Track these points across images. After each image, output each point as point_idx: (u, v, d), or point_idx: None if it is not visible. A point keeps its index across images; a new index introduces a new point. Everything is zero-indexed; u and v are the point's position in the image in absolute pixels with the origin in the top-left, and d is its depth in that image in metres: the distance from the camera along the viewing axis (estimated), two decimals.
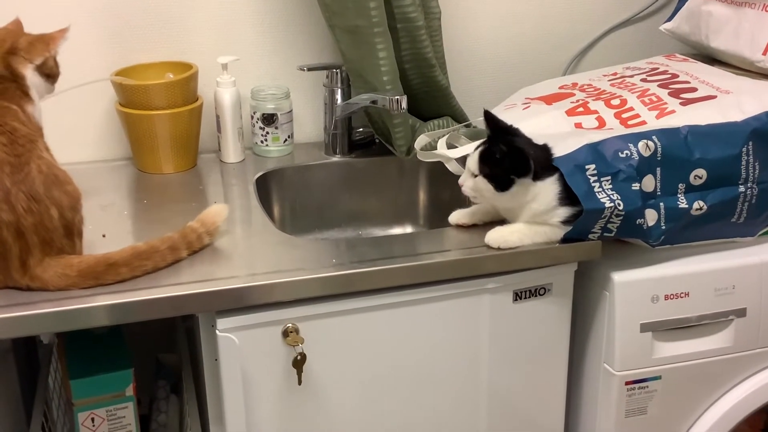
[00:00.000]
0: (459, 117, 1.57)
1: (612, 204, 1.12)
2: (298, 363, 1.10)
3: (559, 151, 1.16)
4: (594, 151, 1.15)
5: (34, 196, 1.02)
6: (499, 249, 1.16)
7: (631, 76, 1.41)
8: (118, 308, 1.02)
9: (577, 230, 1.15)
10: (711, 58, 1.54)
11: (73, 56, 1.42)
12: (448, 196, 1.51)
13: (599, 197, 1.12)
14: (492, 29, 1.66)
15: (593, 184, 1.13)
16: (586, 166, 1.13)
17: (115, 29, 1.45)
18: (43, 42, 1.13)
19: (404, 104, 1.38)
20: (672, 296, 1.23)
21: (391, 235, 1.55)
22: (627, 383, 1.25)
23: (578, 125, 1.26)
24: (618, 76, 1.44)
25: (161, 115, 1.38)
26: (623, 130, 1.21)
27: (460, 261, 1.15)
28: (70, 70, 1.36)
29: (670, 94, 1.29)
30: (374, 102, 1.42)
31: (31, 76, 1.11)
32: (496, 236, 1.16)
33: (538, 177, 1.14)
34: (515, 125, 1.22)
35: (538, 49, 1.70)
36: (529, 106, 1.36)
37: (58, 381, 1.37)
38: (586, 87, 1.41)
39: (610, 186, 1.13)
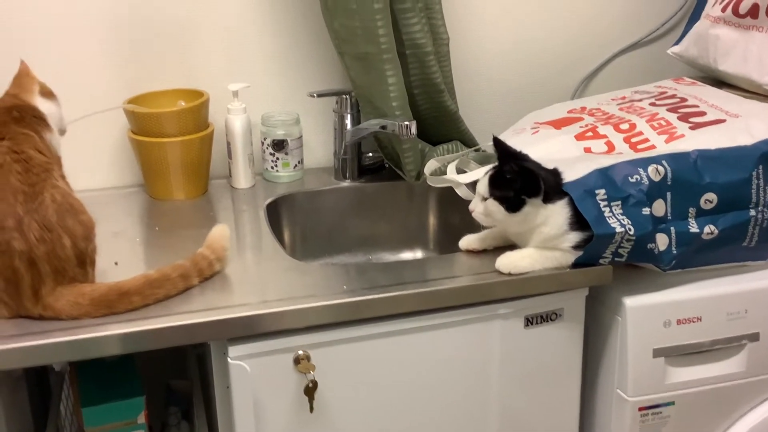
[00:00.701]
0: (468, 141, 1.57)
1: (623, 229, 1.11)
2: (310, 390, 1.09)
3: (568, 176, 1.16)
4: (604, 176, 1.15)
5: (46, 225, 1.02)
6: (509, 274, 1.16)
7: (640, 100, 1.42)
8: (130, 337, 1.02)
9: (587, 255, 1.15)
10: (719, 81, 1.54)
11: (86, 84, 1.44)
12: (457, 221, 1.51)
13: (610, 222, 1.12)
14: (500, 54, 1.67)
15: (603, 209, 1.13)
16: (596, 191, 1.13)
17: (126, 57, 1.47)
18: (23, 75, 1.16)
19: (414, 130, 1.39)
20: (684, 321, 1.22)
21: (402, 260, 1.55)
22: (640, 409, 1.24)
23: (587, 150, 1.26)
24: (627, 100, 1.45)
25: (173, 143, 1.40)
26: (633, 155, 1.21)
27: (471, 287, 1.15)
28: (83, 98, 1.38)
29: (679, 118, 1.30)
30: (384, 127, 1.43)
31: (43, 105, 1.13)
32: (507, 261, 1.16)
33: (548, 199, 1.14)
34: (524, 150, 1.23)
35: (546, 73, 1.71)
36: (538, 131, 1.36)
37: (69, 408, 1.37)
38: (594, 111, 1.42)
39: (621, 211, 1.13)
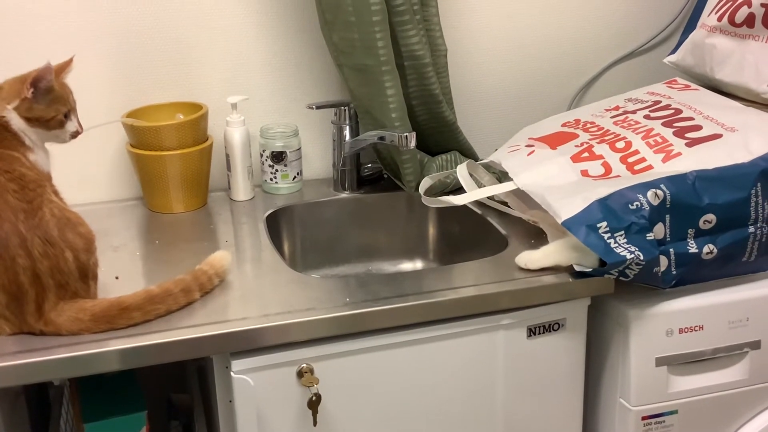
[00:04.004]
0: (466, 151, 1.57)
1: (632, 255, 1.11)
2: (313, 404, 1.09)
3: (568, 210, 1.16)
4: (604, 207, 1.14)
5: (49, 240, 1.02)
6: (526, 267, 1.18)
7: (634, 112, 1.40)
8: (132, 352, 1.02)
9: (595, 272, 1.16)
10: (716, 89, 1.54)
11: (85, 98, 1.43)
12: (457, 231, 1.51)
13: (618, 252, 1.12)
14: (497, 65, 1.68)
15: (608, 241, 1.12)
16: (598, 225, 1.13)
17: (125, 71, 1.47)
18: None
19: (413, 141, 1.39)
20: (686, 329, 1.22)
21: (403, 271, 1.54)
22: (643, 418, 1.24)
23: (584, 173, 1.25)
24: (620, 111, 1.43)
25: (172, 156, 1.39)
26: (630, 177, 1.21)
27: (474, 298, 1.14)
28: (82, 112, 1.37)
29: (675, 133, 1.29)
30: (382, 138, 1.43)
31: (15, 121, 1.06)
32: (525, 256, 1.19)
33: None
34: (522, 174, 1.25)
35: (543, 83, 1.72)
36: (533, 151, 1.34)
37: (70, 423, 1.36)
38: (589, 126, 1.40)
39: (625, 240, 1.13)
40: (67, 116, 1.12)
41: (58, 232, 1.03)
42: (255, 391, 1.08)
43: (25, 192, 1.03)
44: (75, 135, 1.14)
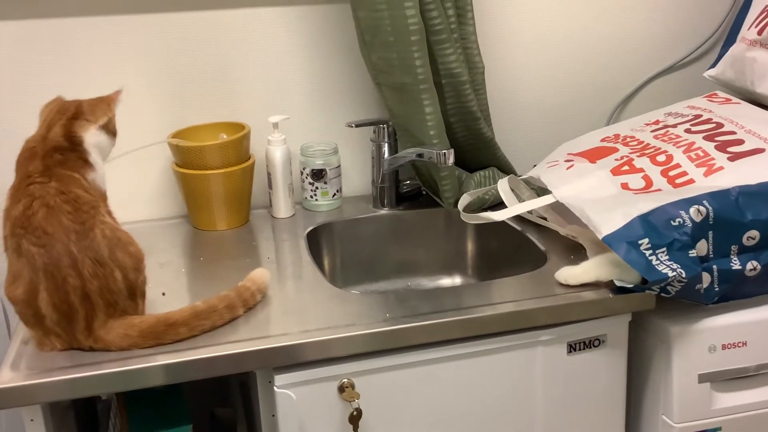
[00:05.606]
0: (505, 167, 1.58)
1: (674, 273, 1.11)
2: (354, 418, 1.10)
3: (609, 226, 1.15)
4: (645, 222, 1.13)
5: (99, 261, 1.05)
6: (566, 283, 1.18)
7: (674, 126, 1.39)
8: (178, 367, 1.04)
9: (636, 288, 1.15)
10: (757, 103, 1.53)
11: (132, 119, 1.49)
12: (496, 246, 1.52)
13: (660, 269, 1.11)
14: (534, 80, 1.68)
15: (650, 258, 1.12)
16: (639, 242, 1.12)
17: (170, 93, 1.51)
18: (105, 103, 1.18)
19: (451, 158, 1.40)
20: (729, 345, 1.21)
21: (442, 287, 1.55)
22: None
23: (625, 186, 1.24)
24: (661, 125, 1.42)
25: (215, 175, 1.43)
26: (672, 191, 1.20)
27: (513, 314, 1.15)
28: (129, 133, 1.41)
29: (716, 147, 1.28)
30: (421, 156, 1.44)
31: (93, 137, 1.13)
32: (565, 272, 1.19)
33: None
34: (561, 188, 1.25)
35: (581, 99, 1.72)
36: (572, 165, 1.34)
37: None
38: (629, 140, 1.39)
39: (667, 257, 1.12)
40: None
41: (108, 252, 1.06)
42: (297, 405, 1.10)
43: (78, 213, 1.07)
44: None
